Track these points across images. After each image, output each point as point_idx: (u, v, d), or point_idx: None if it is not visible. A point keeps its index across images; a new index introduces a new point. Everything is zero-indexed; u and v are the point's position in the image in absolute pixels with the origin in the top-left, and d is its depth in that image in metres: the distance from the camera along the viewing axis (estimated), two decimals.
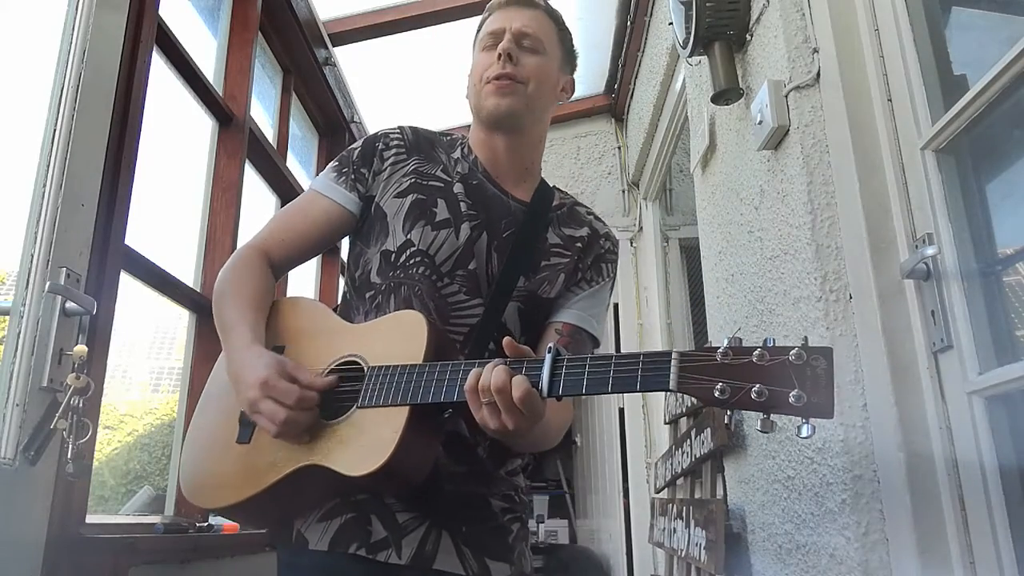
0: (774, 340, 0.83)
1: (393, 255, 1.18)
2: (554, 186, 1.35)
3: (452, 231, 1.19)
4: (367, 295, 1.20)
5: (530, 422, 0.93)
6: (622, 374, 0.88)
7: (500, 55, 1.21)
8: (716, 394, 0.82)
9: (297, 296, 1.29)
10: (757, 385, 0.81)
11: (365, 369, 1.06)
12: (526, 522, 1.22)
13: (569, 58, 1.35)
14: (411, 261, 1.17)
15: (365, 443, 0.99)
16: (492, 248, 1.20)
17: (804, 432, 0.80)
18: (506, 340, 0.95)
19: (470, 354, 1.15)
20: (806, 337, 0.83)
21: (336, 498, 1.10)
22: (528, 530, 1.23)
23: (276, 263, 1.24)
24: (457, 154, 1.28)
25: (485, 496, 1.17)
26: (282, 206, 2.78)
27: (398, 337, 1.07)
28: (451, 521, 1.11)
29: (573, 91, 1.37)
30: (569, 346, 1.20)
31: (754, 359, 0.82)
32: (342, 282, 3.24)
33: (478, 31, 1.32)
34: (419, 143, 1.28)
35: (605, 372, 0.89)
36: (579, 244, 1.27)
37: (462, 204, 1.21)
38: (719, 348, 0.84)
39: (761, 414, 0.82)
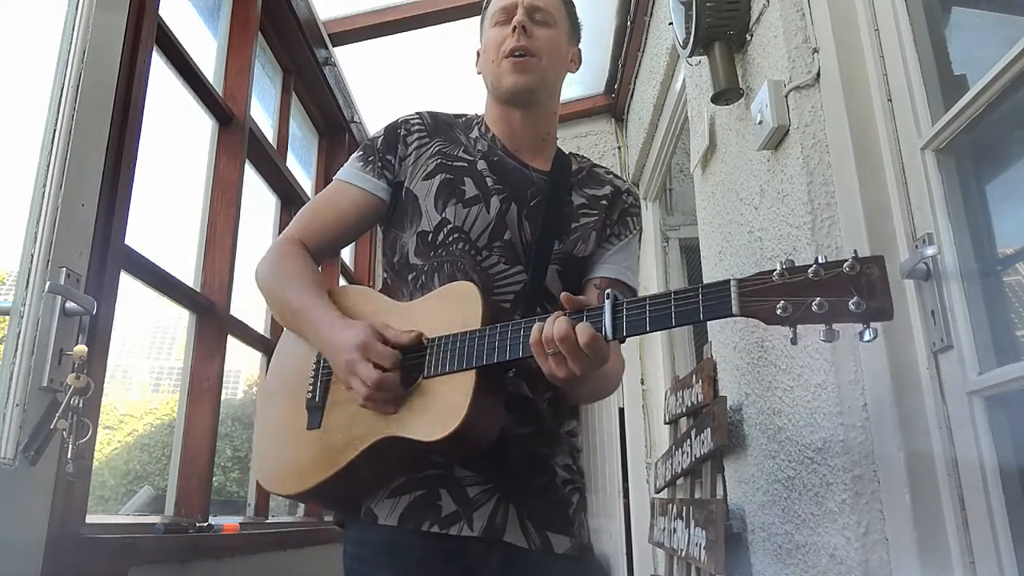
0: (825, 257, 0.85)
1: (430, 235, 1.22)
2: (570, 153, 1.39)
3: (482, 206, 1.22)
4: (409, 277, 1.24)
5: (596, 366, 0.97)
6: (684, 307, 0.90)
7: (515, 28, 1.25)
8: (779, 311, 0.84)
9: (346, 284, 1.32)
10: (817, 298, 0.83)
11: (425, 342, 1.09)
12: (584, 492, 1.26)
13: (575, 30, 1.39)
14: (450, 239, 1.21)
15: (437, 409, 1.03)
16: (523, 217, 1.24)
17: (867, 336, 0.82)
18: (564, 295, 0.99)
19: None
20: (856, 250, 0.85)
21: (409, 472, 1.13)
22: (586, 499, 1.26)
23: (312, 254, 1.28)
24: (475, 133, 1.32)
25: (549, 460, 1.20)
26: (282, 206, 2.80)
27: (453, 307, 1.10)
28: (519, 494, 1.14)
29: (580, 62, 1.40)
30: None
31: (810, 276, 0.84)
32: (342, 280, 3.24)
33: (486, 7, 1.36)
34: (438, 126, 1.32)
35: (666, 308, 0.91)
36: (604, 202, 1.32)
37: (488, 179, 1.25)
38: (774, 271, 0.87)
39: (823, 326, 0.84)
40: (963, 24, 1.41)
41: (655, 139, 3.42)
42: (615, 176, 1.38)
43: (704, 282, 0.91)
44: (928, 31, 1.32)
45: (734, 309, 0.86)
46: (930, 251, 1.18)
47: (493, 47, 1.28)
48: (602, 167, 1.39)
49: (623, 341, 0.98)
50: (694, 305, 0.89)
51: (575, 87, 3.98)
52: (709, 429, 1.87)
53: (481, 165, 1.26)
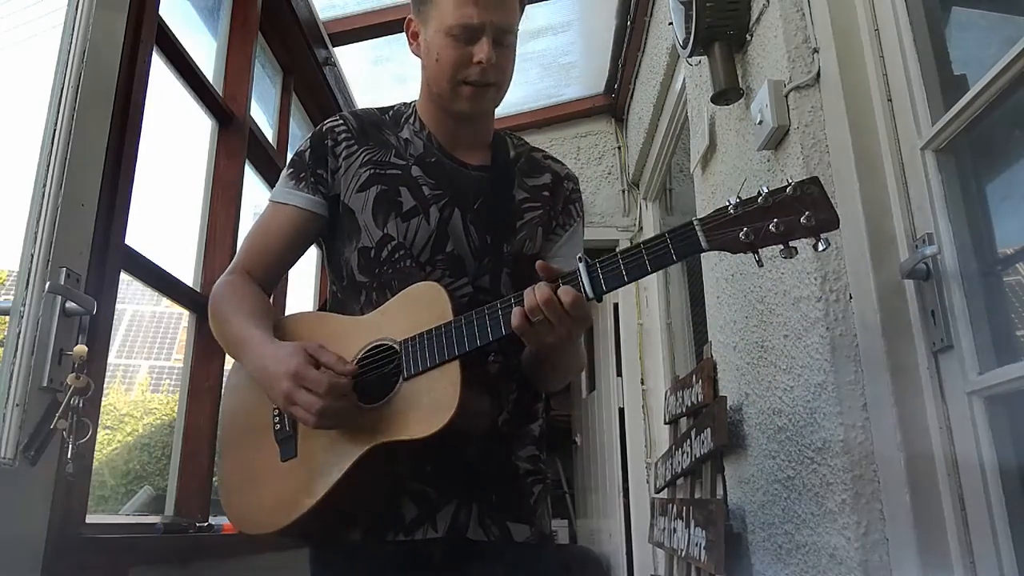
0: (767, 187, 0.93)
1: (373, 251, 1.18)
2: (506, 133, 1.32)
3: (421, 218, 1.18)
4: (361, 296, 1.19)
5: (582, 327, 1.00)
6: (656, 253, 0.96)
7: (480, 62, 1.12)
8: (742, 238, 0.92)
9: (298, 312, 1.30)
10: (774, 220, 0.91)
11: (397, 347, 1.07)
12: (548, 482, 1.25)
13: (522, 12, 1.23)
14: (396, 255, 1.17)
15: (426, 405, 1.02)
16: (467, 222, 1.19)
17: (820, 247, 0.91)
18: (539, 262, 1.00)
19: None
20: (791, 178, 0.93)
21: (397, 483, 1.11)
22: (549, 488, 1.25)
23: (260, 282, 1.23)
24: (406, 133, 1.25)
25: (509, 458, 1.19)
26: None
27: (419, 308, 1.08)
28: (480, 493, 1.13)
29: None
30: None
31: (760, 203, 0.92)
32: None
33: None
34: (365, 129, 1.24)
35: (639, 257, 0.96)
36: (546, 192, 1.27)
37: (424, 187, 1.19)
38: (727, 205, 0.94)
39: (781, 245, 0.92)
40: (963, 24, 1.42)
41: (655, 139, 3.42)
42: (553, 160, 1.32)
43: (673, 226, 0.97)
44: (928, 31, 1.32)
45: (703, 244, 0.93)
46: (930, 251, 1.18)
47: (449, 66, 1.14)
48: (540, 151, 1.33)
49: (600, 300, 1.00)
50: (665, 250, 0.95)
51: (575, 87, 3.98)
52: (709, 429, 1.86)
53: (416, 171, 1.20)
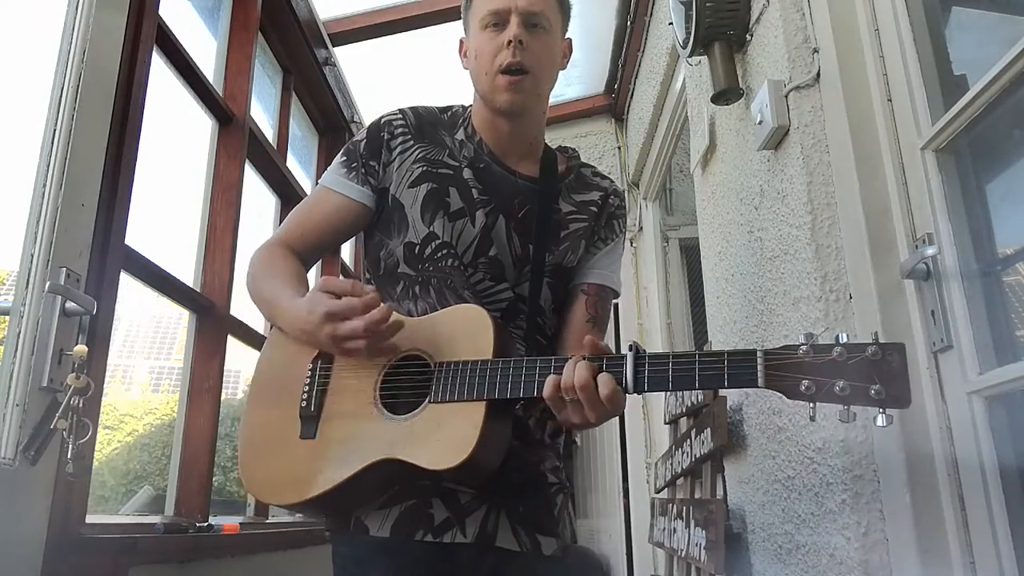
0: (848, 336, 0.89)
1: (418, 247, 1.20)
2: (558, 148, 1.36)
3: (468, 220, 1.20)
4: (397, 286, 1.22)
5: (612, 415, 0.98)
6: (708, 371, 0.93)
7: (511, 42, 1.18)
8: (802, 389, 0.88)
9: None
10: (840, 381, 0.87)
11: (432, 365, 1.08)
12: (569, 492, 1.26)
13: (566, 19, 1.31)
14: (439, 254, 1.19)
15: (445, 437, 1.02)
16: (511, 230, 1.22)
17: (880, 422, 0.86)
18: (587, 338, 0.99)
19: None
20: (876, 332, 0.89)
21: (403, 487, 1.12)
22: (570, 498, 1.26)
23: (300, 259, 1.27)
24: (460, 135, 1.28)
25: (537, 465, 1.20)
26: (282, 206, 2.80)
27: (462, 332, 1.09)
28: (509, 499, 1.14)
29: (571, 53, 1.34)
30: (596, 304, 1.26)
31: (835, 356, 0.88)
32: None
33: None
34: (423, 127, 1.28)
35: (690, 369, 0.94)
36: (593, 208, 1.30)
37: (473, 191, 1.22)
38: (800, 346, 0.91)
39: (842, 406, 0.88)
40: (963, 24, 1.42)
41: (655, 139, 3.41)
42: (602, 177, 1.35)
43: (730, 349, 0.94)
44: (928, 31, 1.32)
45: (760, 381, 0.90)
46: (930, 251, 1.18)
47: (486, 57, 1.21)
48: (589, 167, 1.36)
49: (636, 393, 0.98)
50: (719, 371, 0.92)
51: (575, 87, 3.98)
52: (709, 429, 1.86)
53: (467, 174, 1.23)
